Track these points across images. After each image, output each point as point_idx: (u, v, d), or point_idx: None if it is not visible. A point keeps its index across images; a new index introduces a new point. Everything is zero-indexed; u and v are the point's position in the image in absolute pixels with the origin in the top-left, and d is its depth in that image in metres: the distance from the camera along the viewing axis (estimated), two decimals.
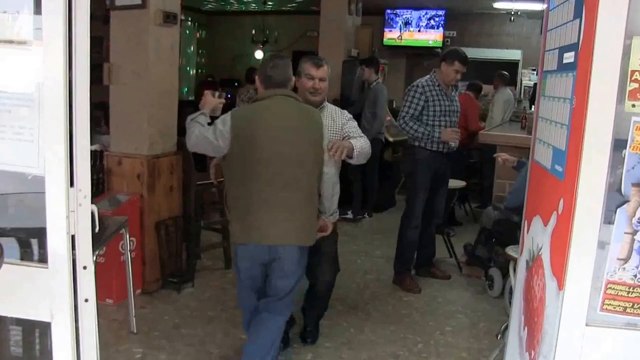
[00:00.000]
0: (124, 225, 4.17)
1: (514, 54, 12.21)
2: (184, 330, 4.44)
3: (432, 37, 12.41)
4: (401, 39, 12.56)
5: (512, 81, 10.34)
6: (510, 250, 3.84)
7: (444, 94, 5.40)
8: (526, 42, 12.39)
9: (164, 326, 4.49)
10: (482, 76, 11.72)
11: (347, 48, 9.74)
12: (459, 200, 8.04)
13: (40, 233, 2.21)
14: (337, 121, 3.96)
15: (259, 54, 14.40)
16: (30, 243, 2.33)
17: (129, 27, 4.90)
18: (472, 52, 11.11)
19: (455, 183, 6.48)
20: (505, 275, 5.06)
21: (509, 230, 4.91)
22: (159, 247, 5.12)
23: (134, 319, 4.35)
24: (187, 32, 14.18)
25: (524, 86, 11.87)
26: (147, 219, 5.00)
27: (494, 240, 5.60)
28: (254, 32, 14.47)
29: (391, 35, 12.65)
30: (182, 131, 5.41)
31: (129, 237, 4.38)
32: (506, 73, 9.90)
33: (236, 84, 13.73)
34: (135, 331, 4.33)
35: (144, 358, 4.01)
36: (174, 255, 5.26)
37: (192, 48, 14.84)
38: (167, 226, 5.13)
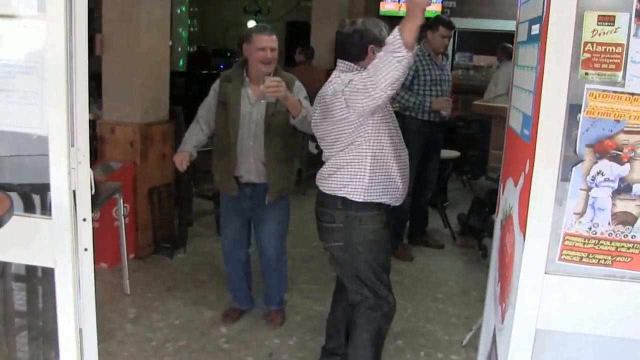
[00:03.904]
0: (118, 191, 4.44)
1: None
2: (177, 293, 4.75)
3: (431, 7, 12.34)
4: (403, 9, 12.55)
5: None
6: None
7: (434, 63, 5.63)
8: None
9: (157, 289, 4.81)
10: (484, 48, 11.82)
11: (340, 18, 9.88)
12: (455, 171, 8.26)
13: (41, 189, 2.53)
14: None
15: (251, 24, 14.53)
16: (32, 197, 2.62)
17: None
18: (473, 23, 11.33)
19: (448, 153, 6.70)
20: None
21: None
22: (151, 213, 5.40)
23: (127, 281, 4.66)
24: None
25: None
26: (140, 186, 5.27)
27: (487, 210, 5.81)
28: (246, 1, 14.56)
29: (390, 7, 12.68)
30: (174, 100, 5.70)
31: (123, 203, 4.65)
32: (509, 45, 9.71)
33: (229, 54, 13.90)
34: (128, 293, 4.65)
35: (138, 317, 4.31)
36: (166, 221, 5.55)
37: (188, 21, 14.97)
38: (159, 193, 5.41)
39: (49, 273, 2.67)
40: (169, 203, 5.51)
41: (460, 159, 7.43)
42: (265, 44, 3.93)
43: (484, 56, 11.92)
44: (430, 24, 5.76)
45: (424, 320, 4.47)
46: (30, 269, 3.08)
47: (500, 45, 9.71)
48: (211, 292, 4.80)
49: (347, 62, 3.26)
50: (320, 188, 3.32)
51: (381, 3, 12.72)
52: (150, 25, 5.24)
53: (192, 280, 5.01)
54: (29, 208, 2.65)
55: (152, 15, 5.25)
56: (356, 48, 3.25)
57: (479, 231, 5.92)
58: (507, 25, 11.97)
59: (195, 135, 4.20)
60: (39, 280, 3.19)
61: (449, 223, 6.60)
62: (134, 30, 5.16)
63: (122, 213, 4.65)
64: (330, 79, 3.29)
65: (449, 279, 5.37)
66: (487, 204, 5.81)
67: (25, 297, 3.22)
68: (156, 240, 5.51)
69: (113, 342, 3.94)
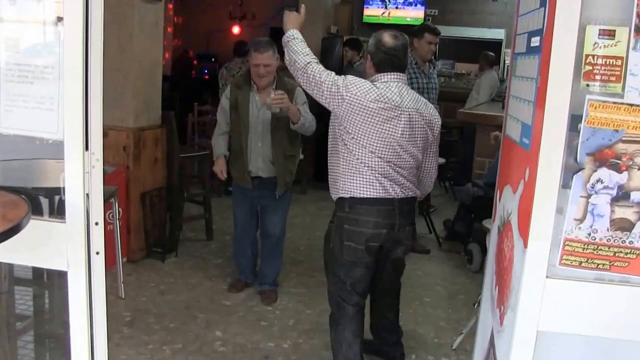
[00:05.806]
0: (114, 195, 4.46)
1: (497, 33, 12.11)
2: (170, 296, 4.80)
3: (413, 14, 12.40)
4: (389, 15, 12.62)
5: (495, 61, 10.45)
6: (487, 223, 4.16)
7: (422, 72, 5.70)
8: (509, 21, 12.12)
9: (150, 292, 4.84)
10: (464, 55, 11.95)
11: (326, 25, 9.97)
12: (438, 177, 8.34)
13: (53, 192, 2.59)
14: None
15: (236, 30, 14.56)
16: (39, 200, 2.68)
17: (113, 2, 5.09)
18: (455, 31, 11.44)
19: None
20: (484, 250, 5.33)
21: (487, 206, 5.22)
22: (143, 217, 5.43)
23: (122, 285, 4.70)
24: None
25: (507, 66, 12.01)
26: (132, 190, 5.30)
27: (473, 216, 5.93)
28: (230, 7, 14.57)
29: (371, 13, 12.69)
30: (165, 105, 5.74)
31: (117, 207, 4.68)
32: (491, 54, 9.77)
33: (213, 60, 13.91)
34: (123, 296, 4.68)
35: (133, 321, 4.35)
36: (158, 225, 5.57)
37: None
38: (151, 197, 5.43)
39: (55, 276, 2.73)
40: (160, 207, 5.54)
41: (443, 165, 7.51)
42: (258, 61, 4.42)
43: (466, 64, 12.07)
44: (415, 31, 5.81)
45: (413, 324, 4.54)
46: (36, 272, 3.13)
47: (482, 54, 9.80)
48: (203, 295, 4.85)
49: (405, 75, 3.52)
50: (411, 194, 3.60)
51: (364, 10, 12.73)
52: (142, 29, 5.26)
53: (183, 283, 5.06)
54: (36, 211, 2.68)
55: (144, 19, 5.27)
56: (406, 61, 3.50)
57: (464, 236, 6.03)
58: (488, 33, 12.13)
59: (223, 139, 4.71)
60: (45, 284, 3.24)
61: (434, 228, 6.69)
62: (127, 33, 5.18)
63: (118, 216, 4.68)
64: (416, 97, 3.51)
65: (435, 284, 5.47)
66: (472, 210, 5.92)
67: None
68: (148, 244, 5.54)
69: (110, 345, 3.91)
